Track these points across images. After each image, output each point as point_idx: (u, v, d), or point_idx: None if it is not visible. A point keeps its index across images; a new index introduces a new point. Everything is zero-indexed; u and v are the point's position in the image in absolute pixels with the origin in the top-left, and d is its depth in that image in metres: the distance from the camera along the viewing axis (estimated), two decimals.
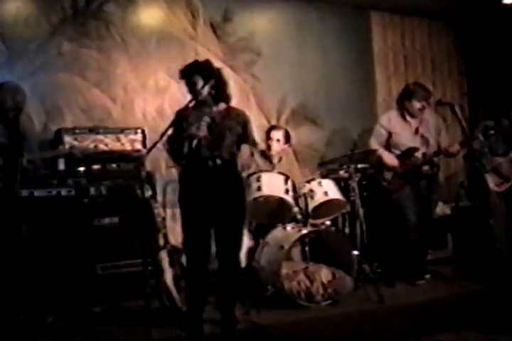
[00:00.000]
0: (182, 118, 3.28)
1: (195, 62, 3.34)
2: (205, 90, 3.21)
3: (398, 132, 4.34)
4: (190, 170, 3.32)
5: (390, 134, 4.36)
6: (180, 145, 3.21)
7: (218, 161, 3.23)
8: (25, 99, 3.34)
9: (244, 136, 3.34)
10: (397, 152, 4.34)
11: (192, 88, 3.25)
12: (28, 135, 3.38)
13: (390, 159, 4.32)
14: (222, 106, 3.34)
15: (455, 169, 6.03)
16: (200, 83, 3.22)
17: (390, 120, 4.40)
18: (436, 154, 4.31)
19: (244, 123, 3.35)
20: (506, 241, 4.36)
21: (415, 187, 4.29)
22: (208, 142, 3.24)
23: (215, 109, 3.31)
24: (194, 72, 3.25)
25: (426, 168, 4.30)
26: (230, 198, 3.28)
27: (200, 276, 3.27)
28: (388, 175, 4.32)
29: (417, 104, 4.27)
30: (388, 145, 4.38)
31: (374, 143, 4.40)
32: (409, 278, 4.24)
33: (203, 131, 3.21)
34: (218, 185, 3.24)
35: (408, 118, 4.35)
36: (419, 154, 4.28)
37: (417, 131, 4.35)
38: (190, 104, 3.23)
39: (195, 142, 3.19)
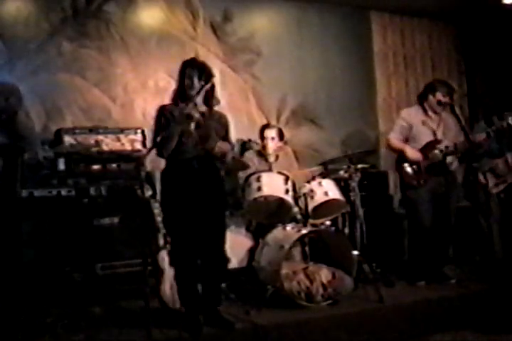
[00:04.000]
0: (166, 114, 3.28)
1: (200, 60, 3.40)
2: (198, 88, 3.20)
3: (419, 124, 4.31)
4: (172, 169, 3.30)
5: (411, 127, 4.33)
6: (167, 142, 3.18)
7: (203, 162, 3.25)
8: (20, 102, 3.30)
9: (226, 138, 3.38)
10: (418, 146, 4.28)
11: (190, 82, 3.22)
12: (28, 135, 3.36)
13: (412, 153, 4.25)
14: (204, 107, 3.32)
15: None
16: (196, 80, 3.21)
17: (410, 113, 4.40)
18: (459, 147, 4.17)
19: (227, 126, 3.42)
20: (502, 242, 4.36)
21: (434, 184, 4.21)
22: (195, 142, 3.24)
23: (199, 109, 3.27)
24: (196, 68, 3.25)
25: (449, 159, 4.24)
26: (212, 197, 3.28)
27: (191, 275, 3.26)
28: (410, 170, 4.27)
29: (441, 98, 4.24)
30: (407, 140, 4.34)
31: (394, 139, 4.37)
32: (410, 279, 4.24)
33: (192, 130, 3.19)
34: (201, 185, 3.24)
35: (430, 113, 4.33)
36: (442, 146, 4.21)
37: (438, 124, 4.33)
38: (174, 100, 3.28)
39: (184, 139, 3.19)
